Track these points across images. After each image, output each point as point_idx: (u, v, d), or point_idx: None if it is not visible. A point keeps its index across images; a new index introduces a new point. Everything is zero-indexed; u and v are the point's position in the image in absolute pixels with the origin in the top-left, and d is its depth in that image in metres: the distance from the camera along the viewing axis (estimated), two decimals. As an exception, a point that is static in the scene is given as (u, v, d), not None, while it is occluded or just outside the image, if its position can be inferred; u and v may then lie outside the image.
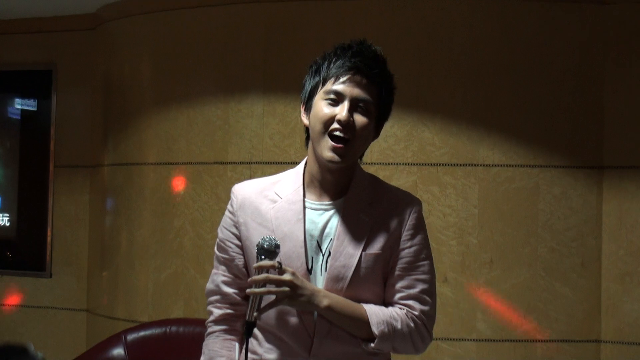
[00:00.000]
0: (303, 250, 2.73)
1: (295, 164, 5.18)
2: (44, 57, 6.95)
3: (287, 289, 2.60)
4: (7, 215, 7.05)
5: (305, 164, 2.86)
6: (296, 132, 5.43)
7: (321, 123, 2.70)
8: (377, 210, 2.79)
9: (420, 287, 2.79)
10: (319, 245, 2.74)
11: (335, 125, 2.69)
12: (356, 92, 2.72)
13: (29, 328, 6.90)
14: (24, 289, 6.94)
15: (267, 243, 2.60)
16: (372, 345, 2.69)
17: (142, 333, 4.32)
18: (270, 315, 2.73)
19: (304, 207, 2.78)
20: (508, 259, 5.36)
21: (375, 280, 2.76)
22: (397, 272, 2.77)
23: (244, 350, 2.71)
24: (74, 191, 6.81)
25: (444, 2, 5.47)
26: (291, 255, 2.72)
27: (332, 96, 2.71)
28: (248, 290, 2.60)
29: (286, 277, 2.60)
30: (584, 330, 5.40)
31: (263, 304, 2.62)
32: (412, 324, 2.76)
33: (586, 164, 5.41)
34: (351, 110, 2.70)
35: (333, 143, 2.69)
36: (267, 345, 2.79)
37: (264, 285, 2.60)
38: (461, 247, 5.37)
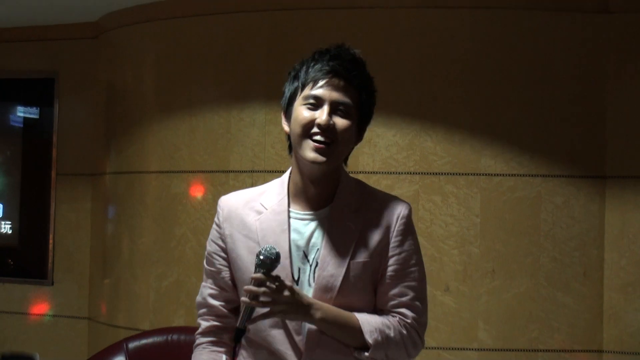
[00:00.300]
0: (288, 261, 2.70)
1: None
2: (47, 65, 6.96)
3: (283, 307, 2.58)
4: (9, 222, 7.05)
5: (290, 173, 2.84)
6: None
7: (301, 127, 2.68)
8: (364, 217, 2.75)
9: (411, 294, 2.75)
10: (306, 256, 2.71)
11: (316, 129, 2.66)
12: (335, 95, 2.69)
13: (30, 336, 6.89)
14: (25, 296, 6.94)
15: (265, 255, 2.56)
16: (367, 354, 2.66)
17: (143, 341, 4.30)
18: (259, 327, 2.71)
19: (289, 218, 2.76)
20: (510, 268, 5.36)
21: (365, 288, 2.73)
22: (387, 280, 2.74)
23: None
24: (75, 199, 6.81)
25: (446, 11, 5.48)
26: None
27: (311, 101, 2.68)
28: (242, 299, 2.58)
29: (285, 294, 2.57)
30: (586, 340, 5.39)
31: (256, 314, 2.60)
32: (404, 332, 2.73)
33: (588, 173, 5.41)
34: (331, 113, 2.67)
35: (315, 144, 2.66)
36: (256, 357, 2.77)
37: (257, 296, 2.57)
38: (463, 256, 5.37)
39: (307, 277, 2.71)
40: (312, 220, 2.75)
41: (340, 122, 2.68)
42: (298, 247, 2.72)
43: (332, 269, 2.69)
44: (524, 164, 5.39)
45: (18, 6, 6.41)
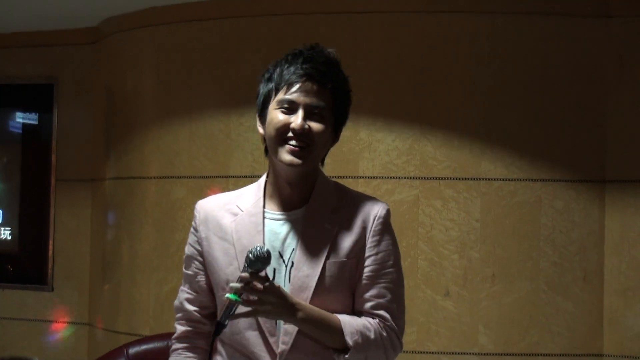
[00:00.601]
0: None
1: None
2: (46, 70, 6.95)
3: (269, 307, 2.55)
4: (9, 228, 7.04)
5: (267, 176, 2.84)
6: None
7: (276, 132, 2.67)
8: (341, 217, 2.74)
9: (389, 295, 2.74)
10: (282, 256, 2.69)
11: (291, 134, 2.66)
12: (309, 99, 2.68)
13: (30, 342, 6.89)
14: (25, 302, 6.93)
15: (255, 254, 2.52)
16: (346, 356, 2.64)
17: (144, 347, 4.30)
18: (233, 329, 2.70)
19: (264, 218, 2.75)
20: (510, 272, 5.36)
21: (341, 290, 2.71)
22: (365, 281, 2.72)
23: None
24: (75, 205, 6.80)
25: (446, 16, 5.48)
26: None
27: (285, 105, 2.68)
28: (226, 296, 2.54)
29: (272, 296, 2.54)
30: (586, 344, 5.39)
31: (238, 311, 2.57)
32: (384, 334, 2.71)
33: (588, 177, 5.41)
34: (306, 117, 2.67)
35: (291, 146, 2.65)
36: None
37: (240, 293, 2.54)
38: (463, 261, 5.37)
39: (282, 277, 2.69)
40: (287, 220, 2.74)
41: (315, 125, 2.68)
42: (273, 247, 2.70)
43: (307, 269, 2.67)
44: (523, 169, 5.39)
45: (17, 12, 6.41)
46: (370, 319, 2.71)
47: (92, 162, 6.72)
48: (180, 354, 2.86)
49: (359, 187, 5.42)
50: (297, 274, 2.68)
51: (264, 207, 2.78)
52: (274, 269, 2.69)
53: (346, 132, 5.41)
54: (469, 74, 5.45)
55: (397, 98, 5.49)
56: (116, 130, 6.41)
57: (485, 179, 5.38)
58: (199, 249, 2.83)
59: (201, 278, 2.83)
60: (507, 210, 5.37)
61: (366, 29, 5.55)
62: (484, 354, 5.35)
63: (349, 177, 5.45)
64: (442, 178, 5.40)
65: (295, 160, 2.66)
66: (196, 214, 2.87)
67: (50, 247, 6.85)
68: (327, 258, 2.69)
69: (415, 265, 5.39)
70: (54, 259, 6.84)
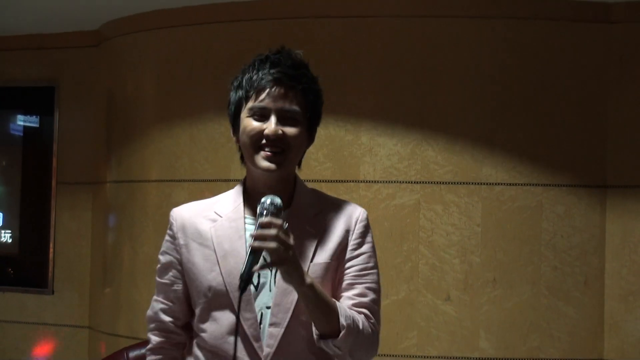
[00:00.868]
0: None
1: (298, 181, 5.18)
2: (47, 73, 6.95)
3: (290, 252, 2.50)
4: (9, 231, 7.04)
5: (244, 182, 2.84)
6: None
7: (250, 139, 2.68)
8: (323, 220, 2.75)
9: (372, 296, 2.74)
10: (266, 261, 2.63)
11: (264, 141, 2.66)
12: (280, 104, 2.68)
13: (30, 345, 6.88)
14: (25, 305, 6.93)
15: (269, 204, 2.52)
16: (337, 339, 2.60)
17: (144, 350, 4.28)
18: (215, 334, 2.70)
19: (245, 224, 2.75)
20: (511, 277, 5.36)
21: (326, 291, 2.69)
22: (347, 280, 2.73)
23: None
24: (76, 208, 6.80)
25: (447, 20, 5.48)
26: (233, 272, 2.66)
27: (257, 112, 2.68)
28: (254, 244, 2.48)
29: (289, 240, 2.51)
30: (587, 349, 5.39)
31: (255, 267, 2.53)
32: (370, 330, 2.70)
33: (590, 183, 5.41)
34: (278, 122, 2.67)
35: (266, 152, 2.66)
36: None
37: (257, 253, 2.49)
38: (464, 265, 5.36)
39: (268, 282, 2.69)
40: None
41: (288, 130, 2.68)
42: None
43: None
44: (525, 174, 5.39)
45: (19, 14, 6.41)
46: (356, 314, 2.70)
47: (93, 165, 6.72)
48: None
49: (360, 191, 5.42)
50: (282, 277, 2.66)
51: (244, 213, 2.77)
52: (259, 274, 2.68)
53: (347, 136, 5.46)
54: (470, 79, 5.45)
55: (399, 102, 5.49)
56: (117, 133, 6.41)
57: (487, 184, 5.38)
58: (177, 256, 2.80)
59: (178, 287, 2.81)
60: (508, 215, 5.37)
61: (367, 33, 5.55)
62: (485, 359, 5.34)
63: (350, 181, 5.45)
64: (443, 182, 5.40)
65: (271, 166, 2.67)
66: (172, 221, 2.85)
67: (51, 250, 6.85)
68: (311, 260, 2.70)
69: (416, 269, 5.39)
70: (54, 261, 6.84)
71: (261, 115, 2.68)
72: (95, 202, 6.71)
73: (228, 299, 2.67)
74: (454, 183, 5.39)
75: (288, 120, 2.69)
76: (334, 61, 5.57)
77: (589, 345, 5.39)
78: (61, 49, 6.89)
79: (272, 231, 2.48)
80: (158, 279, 2.86)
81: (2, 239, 7.05)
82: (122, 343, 5.63)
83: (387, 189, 5.42)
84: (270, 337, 2.65)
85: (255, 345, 2.65)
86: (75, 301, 6.78)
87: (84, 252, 6.75)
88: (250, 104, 2.70)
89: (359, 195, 5.42)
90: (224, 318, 2.68)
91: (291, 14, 5.67)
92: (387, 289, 5.39)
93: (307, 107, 2.74)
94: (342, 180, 5.44)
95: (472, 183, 5.38)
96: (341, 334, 2.60)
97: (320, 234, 2.72)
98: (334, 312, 2.61)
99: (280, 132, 2.66)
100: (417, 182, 5.41)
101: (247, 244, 2.64)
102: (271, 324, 2.66)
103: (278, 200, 2.55)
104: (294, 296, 2.66)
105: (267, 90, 2.68)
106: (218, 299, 2.69)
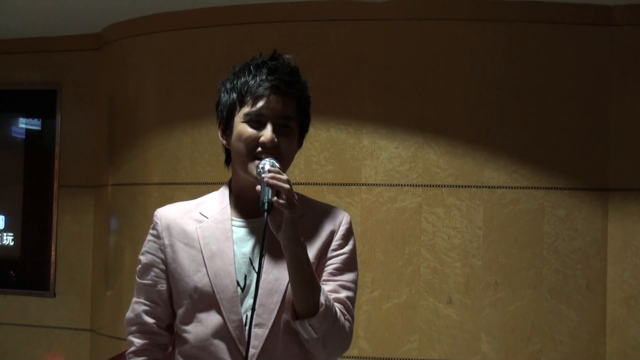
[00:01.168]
0: (233, 267, 2.67)
1: (301, 184, 5.19)
2: (49, 76, 6.96)
3: (295, 209, 2.53)
4: (11, 234, 7.05)
5: (230, 184, 2.83)
6: (301, 153, 5.41)
7: (245, 146, 2.67)
8: (307, 222, 2.74)
9: (345, 293, 2.72)
10: (251, 262, 2.67)
11: (259, 149, 2.65)
12: (277, 111, 2.67)
13: (32, 348, 6.89)
14: (27, 308, 6.93)
15: (270, 163, 2.58)
16: (314, 317, 2.57)
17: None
18: (200, 336, 2.68)
19: (232, 226, 2.75)
20: (513, 280, 5.35)
21: None
22: (324, 277, 2.72)
23: None
24: (78, 211, 6.81)
25: (448, 23, 5.49)
26: (220, 273, 2.67)
27: (253, 119, 2.67)
28: (270, 180, 2.52)
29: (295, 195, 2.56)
30: (589, 352, 5.38)
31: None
32: (344, 322, 2.67)
33: (591, 186, 5.41)
34: (274, 130, 2.66)
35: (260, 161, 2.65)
36: None
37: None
38: (466, 268, 5.36)
39: (253, 283, 2.67)
40: (255, 227, 2.72)
41: (284, 140, 2.68)
42: (243, 254, 2.70)
43: (277, 273, 2.66)
44: (526, 177, 5.39)
45: (20, 18, 6.41)
46: (334, 302, 2.68)
47: (95, 168, 6.72)
48: None
49: (362, 194, 5.42)
50: (267, 278, 2.66)
51: (231, 214, 2.77)
52: (245, 276, 2.67)
53: (349, 139, 5.45)
54: (472, 82, 5.45)
55: (400, 105, 5.49)
56: (119, 136, 6.42)
57: (488, 187, 5.38)
58: (162, 256, 2.79)
59: (162, 287, 2.79)
60: (509, 218, 5.37)
61: (369, 36, 5.55)
62: (486, 362, 5.35)
63: (352, 184, 5.45)
64: (444, 186, 5.39)
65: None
66: (157, 220, 2.84)
67: (53, 252, 6.85)
68: None
69: (417, 272, 5.39)
70: (56, 264, 6.85)
71: (257, 122, 2.67)
72: (97, 205, 6.71)
73: (214, 300, 2.66)
74: (456, 186, 5.39)
75: (283, 128, 2.69)
76: (336, 64, 5.58)
77: (590, 349, 5.39)
78: (63, 52, 6.90)
79: (284, 176, 2.53)
80: (139, 279, 2.84)
81: (4, 242, 7.06)
82: (124, 346, 5.62)
83: (389, 192, 5.42)
84: (254, 338, 2.64)
85: (241, 348, 2.64)
86: (77, 304, 6.79)
87: (86, 255, 6.76)
88: (246, 109, 2.69)
89: (361, 199, 5.42)
90: (209, 319, 2.67)
91: (293, 17, 5.67)
92: (389, 292, 5.39)
93: (299, 114, 2.75)
94: (343, 183, 5.44)
95: (474, 186, 5.38)
96: (319, 311, 2.58)
97: (305, 235, 2.70)
98: (316, 288, 2.60)
99: (276, 140, 2.65)
100: (419, 185, 5.41)
101: (235, 246, 2.68)
102: (256, 325, 2.64)
103: (276, 163, 2.59)
104: (278, 297, 2.65)
105: (265, 97, 2.67)
106: (204, 300, 2.68)
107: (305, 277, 2.59)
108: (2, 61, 7.11)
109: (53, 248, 6.86)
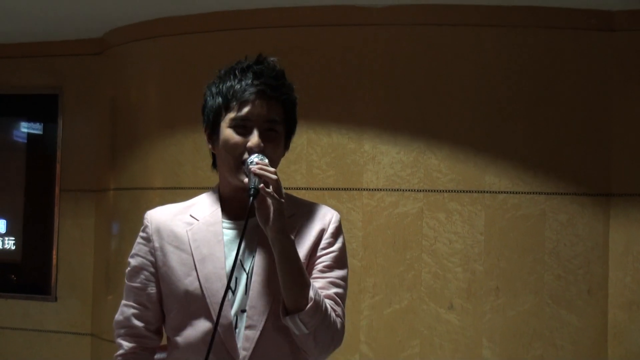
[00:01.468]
0: (224, 271, 2.66)
1: (302, 189, 5.19)
2: (51, 81, 6.96)
3: (282, 200, 2.54)
4: (13, 238, 7.05)
5: (219, 187, 2.82)
6: (302, 158, 5.43)
7: (232, 152, 2.67)
8: (297, 222, 2.74)
9: (334, 289, 2.71)
10: (242, 264, 2.66)
11: (246, 156, 2.64)
12: (264, 116, 2.67)
13: (33, 352, 6.88)
14: (28, 312, 6.93)
15: (259, 157, 2.59)
16: (304, 312, 2.56)
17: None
18: (190, 340, 2.68)
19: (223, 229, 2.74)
20: (514, 286, 5.35)
21: None
22: (314, 274, 2.71)
23: None
24: (79, 215, 6.81)
25: (450, 29, 5.48)
26: (211, 276, 2.66)
27: (239, 124, 2.67)
28: (257, 170, 2.54)
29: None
30: (591, 357, 5.38)
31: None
32: (335, 316, 2.66)
33: (593, 191, 5.41)
34: (261, 135, 2.65)
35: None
36: None
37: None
38: (467, 273, 5.36)
39: (244, 285, 2.67)
40: (246, 229, 2.68)
41: (270, 142, 2.67)
42: (233, 257, 2.64)
43: (269, 274, 2.65)
44: (528, 182, 5.38)
45: (22, 22, 6.42)
46: (324, 297, 2.67)
47: (97, 172, 6.73)
48: None
49: (363, 199, 5.42)
50: (258, 279, 2.66)
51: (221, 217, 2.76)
52: (236, 278, 2.66)
53: (350, 144, 5.45)
54: (473, 87, 5.45)
55: (402, 110, 5.49)
56: (120, 140, 6.42)
57: (490, 192, 5.37)
58: (152, 259, 2.77)
59: (152, 290, 2.78)
60: (511, 223, 5.37)
61: (371, 41, 5.55)
62: (488, 367, 5.34)
63: (353, 189, 5.45)
64: (446, 191, 5.39)
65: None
66: (147, 223, 2.83)
67: (54, 257, 6.85)
68: None
69: (418, 277, 5.38)
70: (57, 268, 6.85)
71: (243, 127, 2.67)
72: (98, 209, 6.71)
73: (204, 303, 2.65)
74: (457, 191, 5.38)
75: (270, 132, 2.68)
76: (337, 69, 5.58)
77: (592, 354, 5.38)
78: (65, 57, 6.90)
79: (272, 168, 2.55)
80: (128, 282, 2.83)
81: (5, 246, 7.06)
82: (125, 351, 5.62)
83: (390, 197, 5.42)
84: (246, 340, 2.63)
85: (230, 349, 2.63)
86: (78, 308, 6.78)
87: (87, 260, 6.76)
88: (232, 114, 2.69)
89: (362, 204, 5.42)
90: (200, 323, 2.66)
91: (294, 22, 5.67)
92: (390, 297, 5.39)
93: (285, 117, 2.74)
94: (345, 188, 5.43)
95: (475, 191, 5.38)
96: (308, 306, 2.56)
97: (295, 236, 2.70)
98: (305, 282, 2.59)
99: (262, 145, 2.64)
100: (420, 191, 5.41)
101: (226, 248, 2.68)
102: (247, 327, 2.64)
103: (265, 158, 2.59)
104: (270, 297, 2.64)
105: (251, 101, 2.67)
106: (194, 304, 2.67)
107: (294, 271, 2.58)
108: (4, 65, 7.12)
109: (54, 252, 6.86)
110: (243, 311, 2.66)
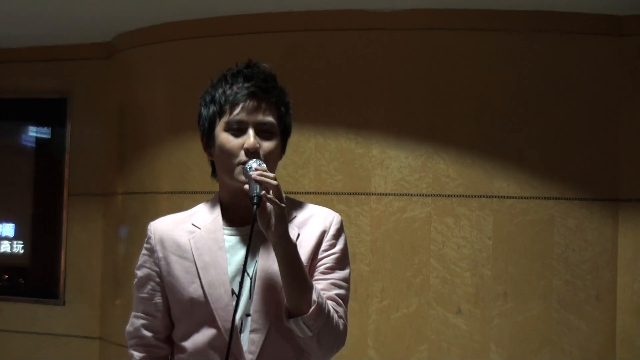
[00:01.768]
0: (226, 277, 2.68)
1: (310, 194, 5.19)
2: (59, 85, 6.97)
3: (283, 205, 2.53)
4: (21, 242, 7.06)
5: (219, 195, 2.83)
6: (310, 162, 5.43)
7: (229, 155, 2.69)
8: (298, 225, 2.76)
9: (336, 290, 2.72)
10: (245, 270, 2.64)
11: (243, 157, 2.66)
12: (257, 117, 2.69)
13: (42, 356, 6.89)
14: (36, 316, 6.94)
15: (258, 163, 2.59)
16: (307, 315, 2.57)
17: None
18: (197, 347, 2.70)
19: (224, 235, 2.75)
20: (522, 291, 5.34)
21: None
22: (316, 276, 2.72)
23: None
24: (87, 219, 6.82)
25: (458, 33, 5.48)
26: (214, 283, 2.68)
27: (234, 126, 2.69)
28: (257, 177, 2.54)
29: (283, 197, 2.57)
30: (599, 363, 5.37)
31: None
32: (337, 317, 2.68)
33: (602, 196, 5.40)
34: (256, 135, 2.68)
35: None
36: None
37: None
38: (475, 278, 5.35)
39: (247, 290, 2.68)
40: (247, 235, 2.67)
41: (266, 144, 2.69)
42: (236, 262, 2.70)
43: (272, 279, 2.67)
44: (536, 187, 5.38)
45: (31, 26, 6.43)
46: (326, 299, 2.68)
47: (105, 176, 6.73)
48: None
49: (372, 204, 5.42)
50: (261, 284, 2.67)
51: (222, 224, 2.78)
52: (239, 283, 2.65)
53: (358, 149, 5.45)
54: (482, 92, 5.45)
55: (410, 115, 5.49)
56: (128, 145, 6.42)
57: (498, 197, 5.37)
58: (157, 269, 2.80)
59: (158, 299, 2.81)
60: (519, 228, 5.36)
61: (378, 46, 5.55)
62: (496, 373, 5.33)
63: (361, 193, 5.45)
64: (454, 195, 5.39)
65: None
66: (150, 234, 2.86)
67: (62, 261, 6.86)
68: None
69: (427, 282, 5.38)
70: (65, 273, 6.85)
71: (238, 129, 2.69)
72: (106, 213, 6.72)
73: (209, 310, 2.67)
74: (465, 196, 5.38)
75: (264, 133, 2.70)
76: (345, 74, 5.58)
77: (600, 360, 5.38)
78: (73, 61, 6.91)
79: (272, 174, 2.56)
80: (136, 293, 2.87)
81: (13, 250, 7.07)
82: (133, 355, 5.63)
83: (398, 202, 5.41)
84: (251, 343, 2.65)
85: (236, 353, 2.64)
86: (86, 312, 6.79)
87: (95, 264, 6.77)
88: (225, 118, 2.71)
89: (370, 208, 5.42)
90: (206, 330, 2.69)
91: (303, 26, 5.67)
92: (398, 302, 5.38)
93: (280, 119, 2.76)
94: (353, 193, 5.43)
95: (484, 196, 5.37)
96: (312, 309, 2.58)
97: (296, 238, 2.71)
98: (308, 286, 2.60)
99: (258, 145, 2.67)
100: (428, 195, 5.40)
101: (228, 255, 2.69)
102: (252, 331, 2.66)
103: (263, 163, 2.60)
104: (273, 302, 2.66)
105: (242, 104, 2.69)
106: (199, 311, 2.69)
107: (297, 275, 2.59)
108: (13, 69, 7.13)
109: (63, 256, 6.86)
110: (248, 315, 2.68)
